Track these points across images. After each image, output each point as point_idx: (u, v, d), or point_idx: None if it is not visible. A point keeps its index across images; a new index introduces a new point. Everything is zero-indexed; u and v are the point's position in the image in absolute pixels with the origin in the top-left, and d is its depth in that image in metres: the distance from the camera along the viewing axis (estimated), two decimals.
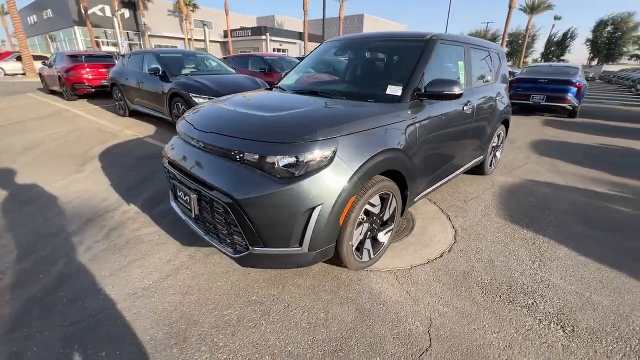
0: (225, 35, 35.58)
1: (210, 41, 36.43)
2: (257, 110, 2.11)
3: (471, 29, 57.90)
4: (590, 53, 53.85)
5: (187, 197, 1.96)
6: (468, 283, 2.03)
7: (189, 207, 1.97)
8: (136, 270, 2.08)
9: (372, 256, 2.13)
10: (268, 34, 32.72)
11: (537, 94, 8.06)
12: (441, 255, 2.32)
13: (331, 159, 1.68)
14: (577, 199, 3.32)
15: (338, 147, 1.71)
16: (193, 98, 5.15)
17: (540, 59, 58.81)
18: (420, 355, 1.52)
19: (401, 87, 2.23)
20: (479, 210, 3.02)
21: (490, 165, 3.93)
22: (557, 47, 54.29)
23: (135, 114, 7.16)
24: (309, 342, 1.58)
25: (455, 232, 2.64)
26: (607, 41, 49.53)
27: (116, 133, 5.75)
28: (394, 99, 2.21)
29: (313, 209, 1.64)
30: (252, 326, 1.67)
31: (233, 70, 6.83)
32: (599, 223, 2.83)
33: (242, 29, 36.22)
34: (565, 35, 53.71)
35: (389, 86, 2.27)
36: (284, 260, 1.77)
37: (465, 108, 2.75)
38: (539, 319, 1.74)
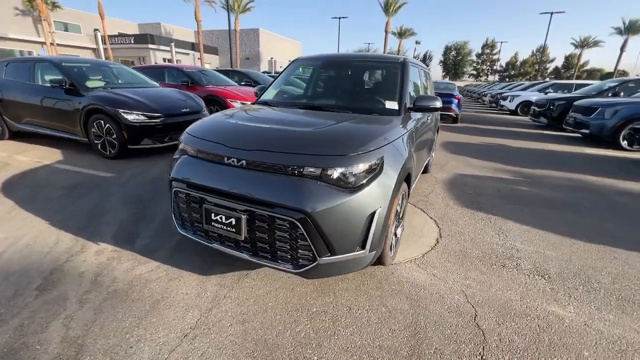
0: (103, 42, 30.80)
1: (81, 47, 31.00)
2: (291, 126, 2.17)
3: (355, 48, 65.42)
4: (443, 71, 67.55)
5: (230, 219, 1.84)
6: (469, 259, 2.50)
7: (234, 230, 1.85)
8: (168, 312, 1.82)
9: (395, 250, 2.40)
10: (164, 43, 29.91)
11: None
12: (437, 242, 2.76)
13: (381, 167, 1.89)
14: (496, 185, 4.34)
15: (384, 155, 1.93)
16: (123, 115, 4.50)
17: None
18: (475, 319, 1.86)
19: (397, 102, 2.60)
20: (440, 202, 3.65)
21: (429, 165, 4.73)
22: None
23: (19, 136, 5.69)
24: (389, 333, 1.73)
25: (435, 222, 3.15)
26: (453, 63, 63.12)
27: (6, 161, 4.48)
28: (392, 112, 2.56)
29: (374, 213, 1.81)
30: (332, 334, 1.72)
31: (156, 84, 6.16)
32: (517, 200, 3.80)
33: (121, 35, 32.04)
34: (424, 56, 66.00)
35: (387, 101, 2.61)
36: (349, 265, 1.87)
37: (428, 118, 3.33)
38: (527, 274, 2.32)
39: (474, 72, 64.45)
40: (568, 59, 59.52)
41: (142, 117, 4.59)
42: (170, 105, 5.06)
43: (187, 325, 1.73)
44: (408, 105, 2.65)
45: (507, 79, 60.04)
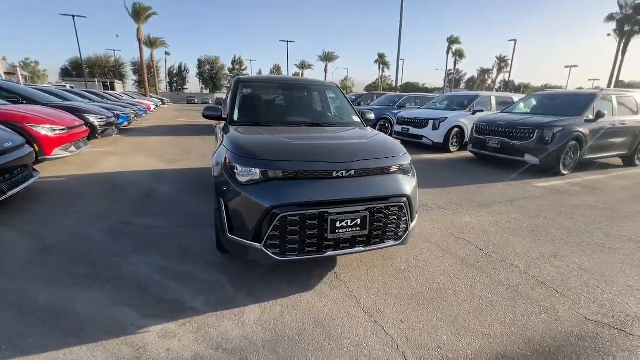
0: None
1: None
2: (340, 140, 2.63)
3: (91, 53, 53.67)
4: (202, 84, 69.14)
5: (356, 220, 2.17)
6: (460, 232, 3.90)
7: (359, 228, 2.19)
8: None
9: None
10: None
11: None
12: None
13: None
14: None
15: None
16: None
17: (167, 87, 67.05)
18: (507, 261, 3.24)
19: (358, 116, 3.53)
20: None
21: None
22: (178, 78, 64.48)
23: None
24: (471, 282, 2.77)
25: None
26: (210, 76, 66.02)
27: None
28: (359, 124, 3.47)
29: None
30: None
31: None
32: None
33: None
34: (180, 68, 64.80)
35: (353, 116, 3.47)
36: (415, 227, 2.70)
37: None
38: (436, 209, 4.01)
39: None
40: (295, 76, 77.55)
41: None
42: None
43: None
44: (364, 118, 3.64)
45: None
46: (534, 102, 7.77)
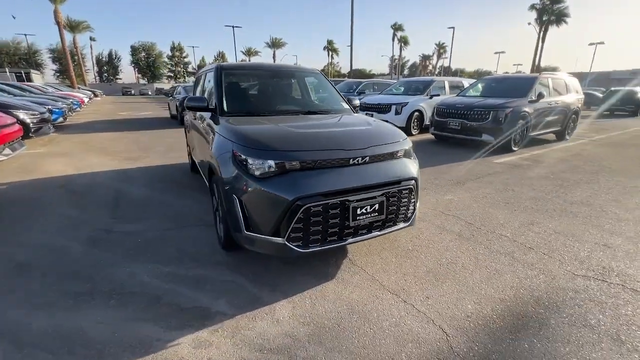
0: None
1: None
2: (347, 127, 2.60)
3: None
4: (138, 73, 63.04)
5: (374, 206, 2.20)
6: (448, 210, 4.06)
7: (377, 213, 2.22)
8: None
9: None
10: None
11: None
12: None
13: None
14: None
15: None
16: None
17: (96, 78, 59.91)
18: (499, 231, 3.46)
19: (347, 103, 3.52)
20: None
21: None
22: (109, 66, 57.93)
23: None
24: (473, 254, 2.95)
25: None
26: (147, 64, 60.39)
27: None
28: (350, 111, 3.47)
29: None
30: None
31: None
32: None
33: None
34: (110, 56, 58.18)
35: (342, 103, 3.46)
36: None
37: None
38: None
39: (171, 75, 65.41)
40: None
41: None
42: None
43: None
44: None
45: None
46: (483, 85, 8.44)
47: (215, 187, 2.59)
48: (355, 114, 3.27)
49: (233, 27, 36.54)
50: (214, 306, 1.96)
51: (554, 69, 39.95)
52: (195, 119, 3.78)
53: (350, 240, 2.20)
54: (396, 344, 1.69)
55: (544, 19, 31.11)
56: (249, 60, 64.59)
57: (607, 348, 1.66)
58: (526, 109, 6.74)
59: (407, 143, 2.59)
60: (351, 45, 17.91)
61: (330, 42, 58.90)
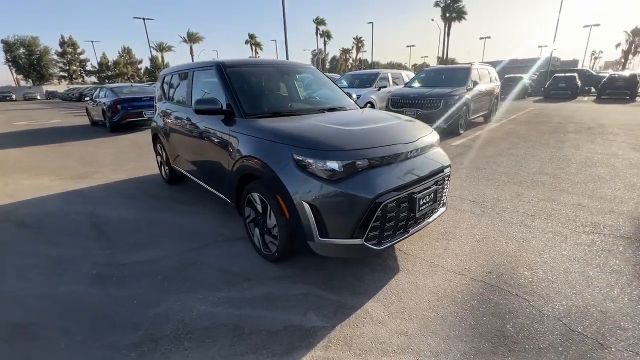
0: None
1: None
2: (389, 121, 2.63)
3: None
4: (18, 74, 51.99)
5: (430, 195, 2.29)
6: None
7: (431, 202, 2.32)
8: None
9: None
10: None
11: (148, 110, 9.12)
12: None
13: None
14: None
15: None
16: None
17: None
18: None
19: (351, 99, 3.52)
20: None
21: None
22: None
23: None
24: (497, 228, 3.22)
25: None
26: (29, 62, 50.17)
27: None
28: (357, 106, 3.48)
29: None
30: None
31: None
32: None
33: None
34: None
35: (349, 99, 3.44)
36: None
37: None
38: None
39: (65, 75, 55.57)
40: (152, 60, 67.26)
41: None
42: None
43: None
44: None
45: (106, 80, 58.07)
46: (424, 77, 9.25)
47: (254, 195, 2.36)
48: (370, 109, 3.31)
49: (144, 19, 32.62)
50: (306, 322, 1.83)
51: (452, 61, 45.55)
52: (182, 123, 3.36)
53: (412, 230, 2.26)
54: (497, 318, 1.82)
55: (447, 15, 35.44)
56: (161, 57, 58.75)
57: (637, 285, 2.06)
58: (467, 96, 7.64)
59: (436, 134, 2.74)
60: (285, 39, 17.69)
61: (252, 36, 57.06)
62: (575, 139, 6.77)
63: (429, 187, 2.28)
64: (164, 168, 4.40)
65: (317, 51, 59.84)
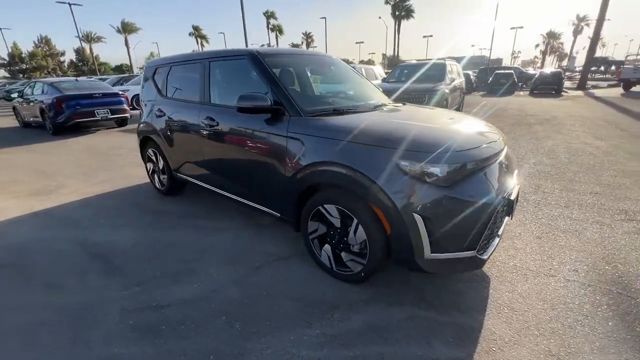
0: None
1: None
2: (461, 118, 2.45)
3: None
4: None
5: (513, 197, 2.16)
6: None
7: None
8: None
9: None
10: None
11: (101, 109, 7.88)
12: None
13: None
14: None
15: None
16: None
17: None
18: None
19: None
20: None
21: None
22: None
23: None
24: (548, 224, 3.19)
25: None
26: None
27: None
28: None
29: None
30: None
31: None
32: None
33: None
34: None
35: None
36: None
37: None
38: None
39: None
40: (79, 52, 59.65)
41: None
42: None
43: None
44: None
45: (21, 75, 50.07)
46: (400, 72, 9.37)
47: (330, 208, 2.02)
48: (415, 106, 3.11)
49: (70, 4, 28.38)
50: (438, 354, 1.57)
51: (399, 58, 47.74)
52: (195, 124, 2.84)
53: (499, 232, 2.12)
54: (621, 321, 1.75)
55: (397, 13, 36.88)
56: (90, 48, 52.34)
57: None
58: (446, 90, 7.88)
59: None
60: (245, 32, 16.71)
61: (196, 28, 53.42)
62: (544, 130, 7.36)
63: (513, 189, 2.14)
64: (158, 177, 3.73)
65: (267, 45, 58.23)
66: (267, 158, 2.31)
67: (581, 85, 20.79)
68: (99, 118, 7.85)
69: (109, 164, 5.24)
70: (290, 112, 2.20)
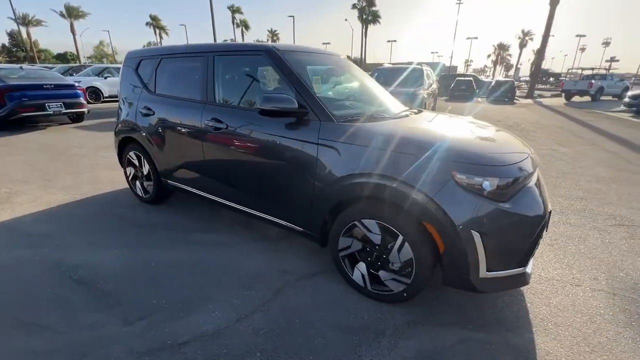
0: None
1: None
2: (486, 125, 2.38)
3: None
4: None
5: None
6: None
7: None
8: None
9: None
10: None
11: (53, 102, 6.92)
12: None
13: None
14: None
15: None
16: None
17: None
18: None
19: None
20: None
21: None
22: None
23: None
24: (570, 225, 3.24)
25: None
26: None
27: None
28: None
29: None
30: None
31: None
32: None
33: None
34: None
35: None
36: None
37: None
38: None
39: None
40: (13, 35, 52.99)
41: None
42: None
43: None
44: None
45: None
46: (378, 75, 9.44)
47: (369, 223, 1.85)
48: (432, 112, 3.02)
49: None
50: None
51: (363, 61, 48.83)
52: (196, 126, 2.51)
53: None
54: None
55: (364, 17, 37.57)
56: (27, 32, 46.68)
57: None
58: (425, 95, 8.07)
59: None
60: (213, 24, 15.82)
61: (154, 18, 49.91)
62: None
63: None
64: (141, 183, 3.28)
65: (232, 40, 56.28)
66: (291, 166, 2.07)
67: (529, 94, 22.72)
68: (51, 112, 6.88)
69: (70, 166, 4.56)
70: (321, 117, 1.99)
